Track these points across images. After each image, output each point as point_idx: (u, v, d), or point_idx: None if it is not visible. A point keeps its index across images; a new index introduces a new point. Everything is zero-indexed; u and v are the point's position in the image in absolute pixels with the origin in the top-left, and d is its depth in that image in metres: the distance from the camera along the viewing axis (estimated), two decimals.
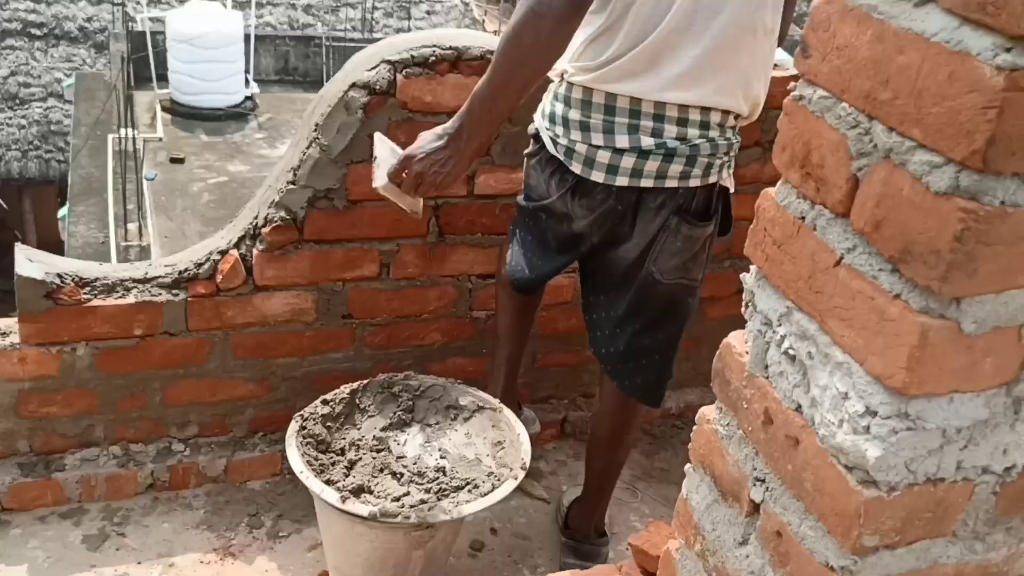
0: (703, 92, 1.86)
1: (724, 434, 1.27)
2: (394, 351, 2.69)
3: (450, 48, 2.32)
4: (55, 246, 12.36)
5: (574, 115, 1.93)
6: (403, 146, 1.98)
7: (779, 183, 1.15)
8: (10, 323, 2.36)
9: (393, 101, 2.33)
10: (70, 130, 13.47)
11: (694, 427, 1.34)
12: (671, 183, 1.92)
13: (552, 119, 1.99)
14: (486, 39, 2.41)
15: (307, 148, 2.35)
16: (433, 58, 2.32)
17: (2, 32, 15.01)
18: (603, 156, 1.91)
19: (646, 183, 1.91)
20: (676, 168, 1.90)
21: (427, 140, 1.91)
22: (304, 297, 2.51)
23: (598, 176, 1.93)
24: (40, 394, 2.37)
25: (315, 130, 2.34)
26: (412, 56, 2.31)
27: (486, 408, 2.26)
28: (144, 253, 9.93)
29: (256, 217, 2.42)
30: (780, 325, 1.15)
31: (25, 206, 15.06)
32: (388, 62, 2.30)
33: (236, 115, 13.39)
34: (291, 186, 2.36)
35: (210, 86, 13.04)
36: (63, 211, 11.50)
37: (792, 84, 1.12)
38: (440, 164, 1.87)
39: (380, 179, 1.95)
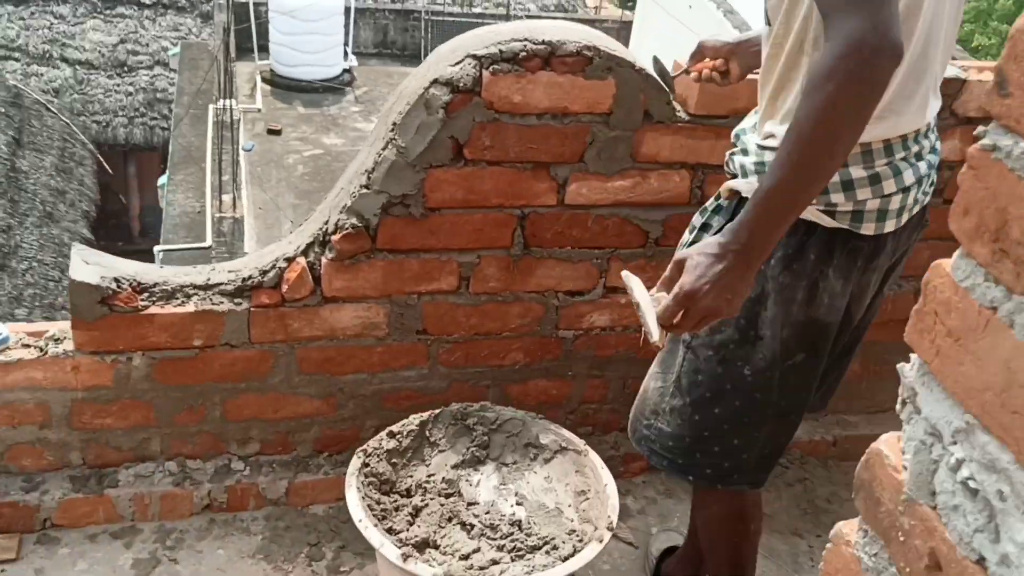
0: (933, 106, 1.65)
1: (870, 566, 0.99)
2: (471, 370, 2.47)
3: (543, 43, 2.07)
4: (156, 212, 12.55)
5: (858, 172, 1.60)
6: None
7: (957, 255, 0.88)
8: (64, 328, 2.22)
9: (478, 100, 2.08)
10: (174, 98, 13.66)
11: (828, 544, 1.07)
12: (917, 208, 1.71)
13: (826, 190, 1.62)
14: (583, 32, 2.14)
15: (383, 149, 2.13)
16: (524, 53, 2.06)
17: (114, 1, 15.29)
18: (896, 201, 1.63)
19: (905, 217, 1.68)
20: (921, 194, 1.68)
21: (705, 265, 1.41)
22: (375, 310, 2.30)
23: (891, 224, 1.65)
24: (94, 405, 2.22)
25: (392, 130, 2.12)
26: (500, 51, 2.06)
27: (570, 450, 2.02)
28: (237, 225, 9.97)
29: (326, 223, 2.21)
30: (956, 444, 0.87)
31: (130, 172, 15.37)
32: (473, 57, 2.06)
33: (334, 88, 13.37)
34: (364, 190, 2.15)
35: (309, 58, 13.04)
36: (163, 179, 11.65)
37: (980, 129, 0.84)
38: (730, 291, 1.40)
39: (655, 331, 1.42)
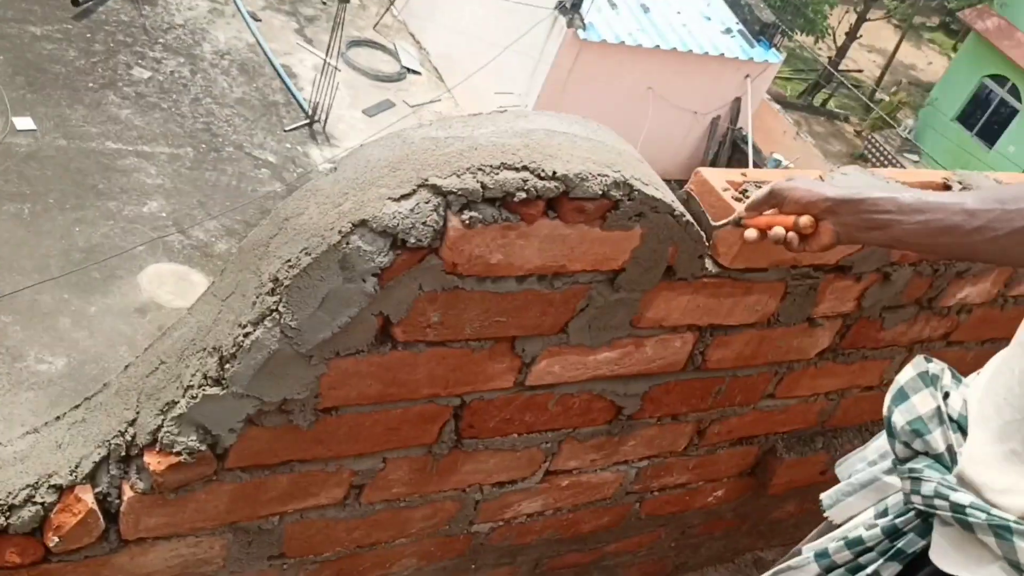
0: None
1: None
2: None
3: (554, 178, 1.21)
4: None
5: None
6: None
7: None
8: None
9: (433, 261, 1.21)
10: None
11: None
12: None
13: None
14: (610, 149, 1.30)
15: (254, 324, 1.20)
16: (522, 195, 1.20)
17: None
18: None
19: None
20: None
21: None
22: (209, 543, 1.41)
23: None
24: None
25: (272, 292, 1.20)
26: (482, 186, 1.18)
27: None
28: None
29: (131, 424, 1.27)
30: None
31: None
32: (434, 190, 1.17)
33: None
34: (215, 389, 1.22)
35: None
36: None
37: None
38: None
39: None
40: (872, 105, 21.66)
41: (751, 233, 1.32)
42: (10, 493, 1.24)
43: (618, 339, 1.49)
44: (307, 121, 13.70)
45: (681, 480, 1.92)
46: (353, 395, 1.32)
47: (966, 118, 21.96)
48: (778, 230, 1.30)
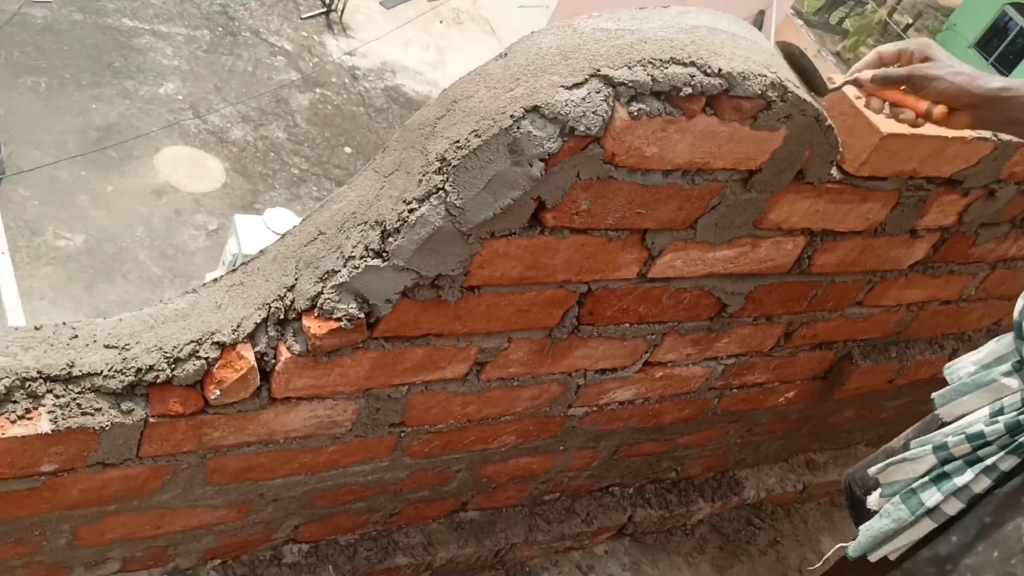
0: None
1: None
2: (443, 458, 1.74)
3: (719, 75, 1.25)
4: None
5: None
6: None
7: None
8: None
9: (595, 151, 1.25)
10: None
11: None
12: None
13: None
14: (765, 52, 1.33)
15: (419, 201, 1.25)
16: (688, 90, 1.24)
17: None
18: None
19: None
20: None
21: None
22: (344, 407, 1.48)
23: None
24: None
25: (439, 171, 1.24)
26: (652, 79, 1.22)
27: None
28: None
29: (290, 290, 1.33)
30: None
31: None
32: (605, 80, 1.21)
33: None
34: (376, 261, 1.28)
35: None
36: None
37: None
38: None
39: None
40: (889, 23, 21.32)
41: (877, 104, 1.36)
42: (175, 347, 1.31)
43: (739, 238, 1.54)
44: (324, 10, 13.47)
45: (760, 379, 2.01)
46: (497, 275, 1.37)
47: (984, 45, 21.69)
48: (910, 114, 1.34)
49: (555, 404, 1.75)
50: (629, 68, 1.22)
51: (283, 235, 1.38)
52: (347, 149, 11.54)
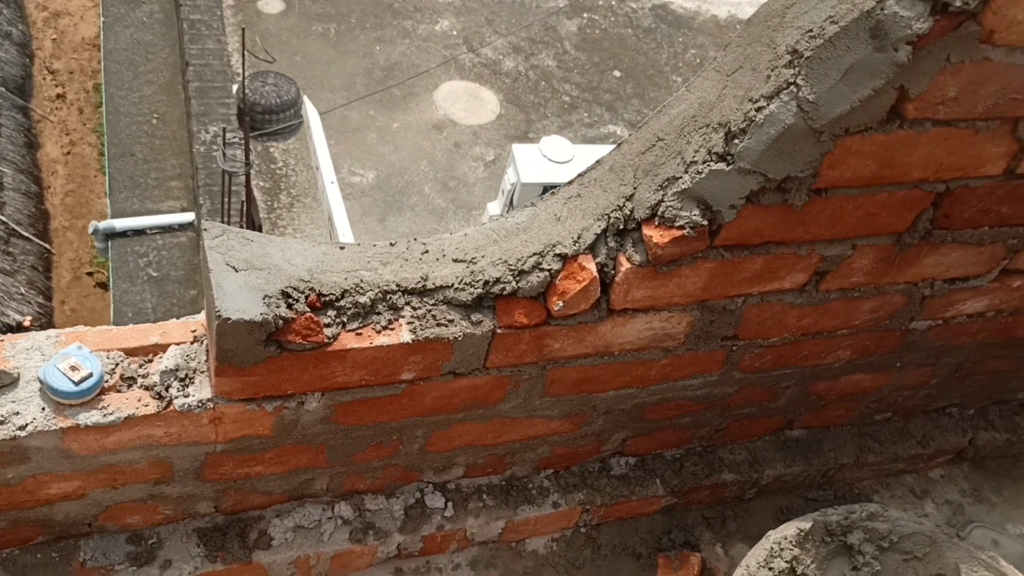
0: None
1: None
2: (774, 373, 1.68)
3: None
4: None
5: None
6: None
7: None
8: (185, 331, 1.36)
9: (971, 28, 1.12)
10: None
11: None
12: None
13: None
14: None
15: (768, 98, 1.18)
16: None
17: None
18: None
19: None
20: None
21: None
22: (677, 319, 1.46)
23: None
24: (239, 456, 1.42)
25: (790, 64, 1.16)
26: None
27: None
28: None
29: (627, 200, 1.31)
30: None
31: None
32: None
33: None
34: (720, 165, 1.22)
35: None
36: None
37: None
38: None
39: None
40: None
41: None
42: (519, 259, 1.33)
43: None
44: None
45: None
46: (847, 176, 1.28)
47: None
48: None
49: (896, 317, 1.63)
50: None
51: (619, 144, 1.36)
52: (616, 73, 11.44)
